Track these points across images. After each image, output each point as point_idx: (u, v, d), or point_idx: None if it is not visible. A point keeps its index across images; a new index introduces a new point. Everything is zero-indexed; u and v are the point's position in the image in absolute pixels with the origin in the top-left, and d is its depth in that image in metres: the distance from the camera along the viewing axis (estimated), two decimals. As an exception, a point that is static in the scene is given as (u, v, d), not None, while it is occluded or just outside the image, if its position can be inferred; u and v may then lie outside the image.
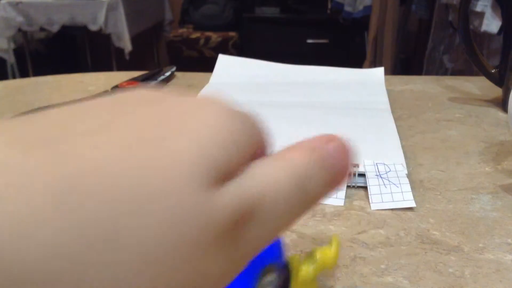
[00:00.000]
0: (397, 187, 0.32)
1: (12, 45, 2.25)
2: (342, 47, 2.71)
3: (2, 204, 0.09)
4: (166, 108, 0.13)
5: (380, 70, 0.59)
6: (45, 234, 0.09)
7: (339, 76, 0.59)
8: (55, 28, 2.21)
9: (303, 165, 0.14)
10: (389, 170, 0.33)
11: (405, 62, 2.32)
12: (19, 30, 2.21)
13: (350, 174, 0.16)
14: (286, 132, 0.41)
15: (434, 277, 0.23)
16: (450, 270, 0.24)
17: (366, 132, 0.41)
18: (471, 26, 0.52)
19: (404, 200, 0.31)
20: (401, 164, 0.34)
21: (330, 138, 0.15)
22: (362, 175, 0.33)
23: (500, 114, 0.48)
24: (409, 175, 0.33)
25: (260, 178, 0.13)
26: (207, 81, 0.58)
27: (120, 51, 2.26)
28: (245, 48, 2.83)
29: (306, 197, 0.14)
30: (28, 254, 0.09)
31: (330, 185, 0.14)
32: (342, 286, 0.22)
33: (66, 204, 0.10)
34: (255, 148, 0.14)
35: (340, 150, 0.15)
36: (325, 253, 0.19)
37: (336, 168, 0.15)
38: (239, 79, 0.58)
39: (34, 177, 0.10)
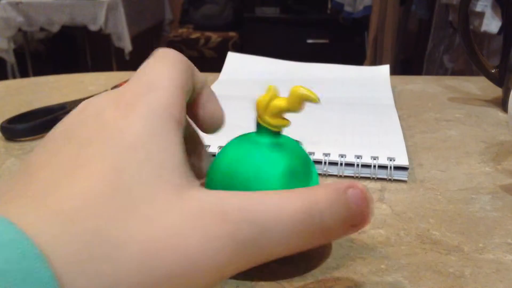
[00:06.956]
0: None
1: (12, 45, 2.25)
2: (342, 47, 2.71)
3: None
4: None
5: (385, 68, 0.59)
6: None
7: (345, 73, 0.59)
8: (55, 28, 2.21)
9: (321, 200, 0.17)
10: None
11: (405, 62, 2.32)
12: (19, 30, 2.21)
13: (369, 219, 0.18)
14: (293, 124, 0.42)
15: (434, 277, 0.23)
16: (450, 270, 0.24)
17: (370, 125, 0.41)
18: (471, 26, 0.52)
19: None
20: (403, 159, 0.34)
21: (351, 185, 0.18)
22: (365, 166, 0.34)
23: (500, 114, 0.48)
24: (409, 174, 0.33)
25: (267, 207, 0.16)
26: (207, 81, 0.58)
27: (120, 51, 2.26)
28: (245, 48, 2.82)
29: (321, 226, 0.17)
30: None
31: (349, 223, 0.17)
32: (342, 286, 0.22)
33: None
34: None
35: (359, 197, 0.17)
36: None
37: (354, 210, 0.17)
38: (248, 76, 0.59)
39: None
